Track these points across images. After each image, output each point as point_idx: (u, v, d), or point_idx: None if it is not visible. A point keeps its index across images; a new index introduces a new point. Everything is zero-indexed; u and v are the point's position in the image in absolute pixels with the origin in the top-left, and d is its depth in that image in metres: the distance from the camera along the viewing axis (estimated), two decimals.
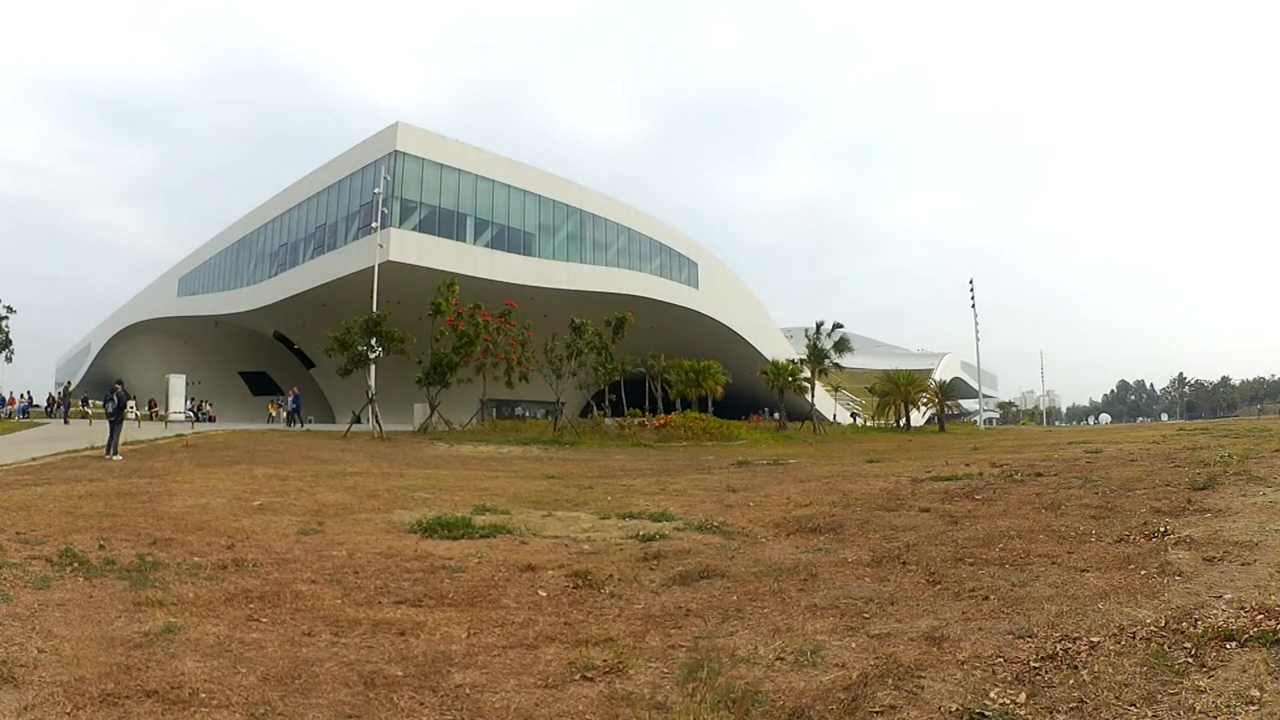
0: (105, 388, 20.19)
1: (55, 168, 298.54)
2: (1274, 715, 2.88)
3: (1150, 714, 3.00)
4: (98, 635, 4.35)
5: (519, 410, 41.94)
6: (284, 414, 35.60)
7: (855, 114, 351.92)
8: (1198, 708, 3.00)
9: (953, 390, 70.79)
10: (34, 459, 14.88)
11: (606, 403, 41.58)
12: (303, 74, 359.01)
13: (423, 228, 36.21)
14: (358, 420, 29.90)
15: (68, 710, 3.30)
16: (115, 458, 15.13)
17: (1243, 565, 5.07)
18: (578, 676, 3.86)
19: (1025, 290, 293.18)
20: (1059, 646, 3.78)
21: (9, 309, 45.36)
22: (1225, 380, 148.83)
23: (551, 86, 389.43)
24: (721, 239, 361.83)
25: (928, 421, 62.72)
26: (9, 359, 47.25)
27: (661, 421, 34.26)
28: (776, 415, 45.31)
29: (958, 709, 3.17)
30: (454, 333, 28.93)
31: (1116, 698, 3.15)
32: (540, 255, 41.30)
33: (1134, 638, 3.80)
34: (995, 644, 3.93)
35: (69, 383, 53.11)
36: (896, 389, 51.52)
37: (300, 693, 3.62)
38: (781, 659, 3.97)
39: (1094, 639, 3.83)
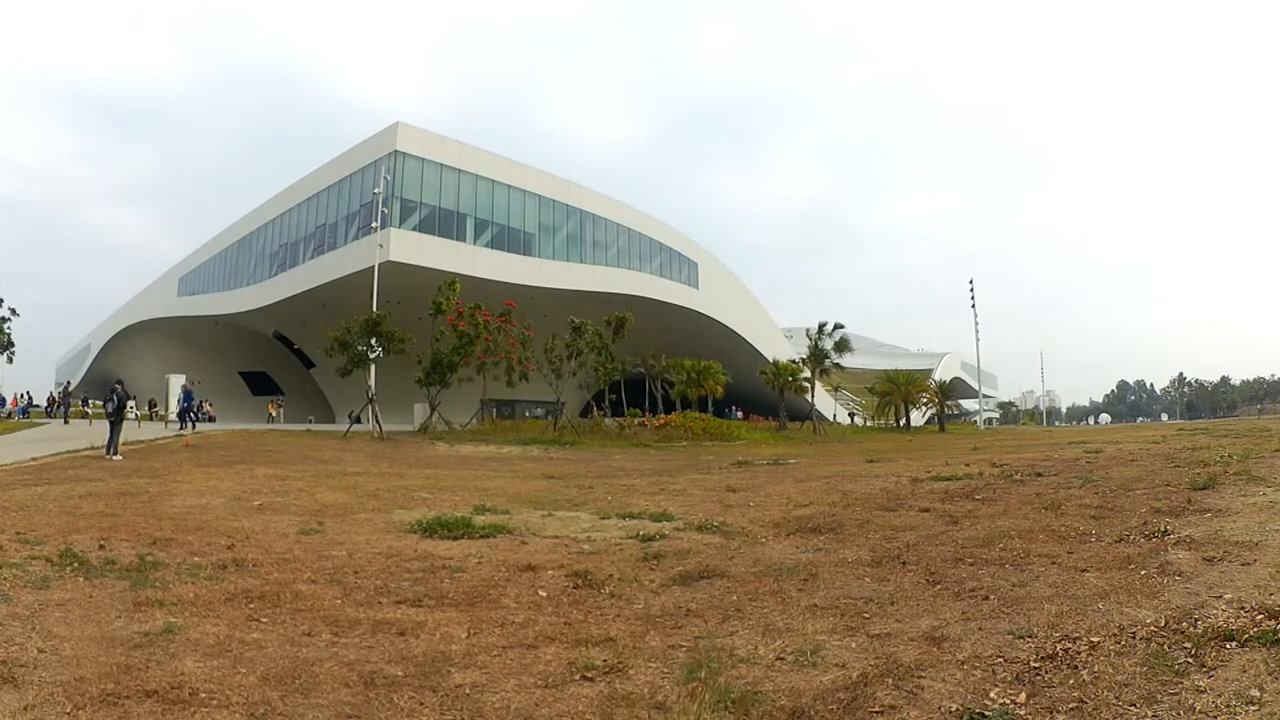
0: (105, 388, 20.17)
1: (56, 169, 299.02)
2: (1274, 715, 2.88)
3: (1150, 714, 3.00)
4: (98, 635, 4.34)
5: (520, 410, 41.92)
6: (174, 414, 30.27)
7: (855, 115, 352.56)
8: (1198, 708, 3.00)
9: (953, 390, 70.85)
10: (34, 459, 14.87)
11: (606, 403, 41.58)
12: (304, 76, 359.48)
13: (423, 228, 36.20)
14: (357, 420, 29.89)
15: (68, 710, 3.30)
16: (115, 458, 15.12)
17: (1243, 565, 5.06)
18: (578, 676, 3.85)
19: (1025, 290, 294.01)
20: (1059, 646, 3.78)
21: (13, 311, 45.37)
22: (1225, 380, 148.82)
23: (552, 88, 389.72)
24: (721, 239, 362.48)
25: (928, 421, 62.75)
26: (10, 360, 47.25)
27: (661, 421, 34.26)
28: (741, 414, 45.70)
29: (958, 709, 3.17)
30: (454, 332, 28.92)
31: (1116, 698, 3.15)
32: (540, 255, 41.29)
33: (1134, 638, 3.80)
34: (995, 644, 3.93)
35: (69, 383, 53.09)
36: (896, 389, 51.57)
37: (300, 693, 3.62)
38: (781, 659, 3.97)
39: (1094, 639, 3.83)
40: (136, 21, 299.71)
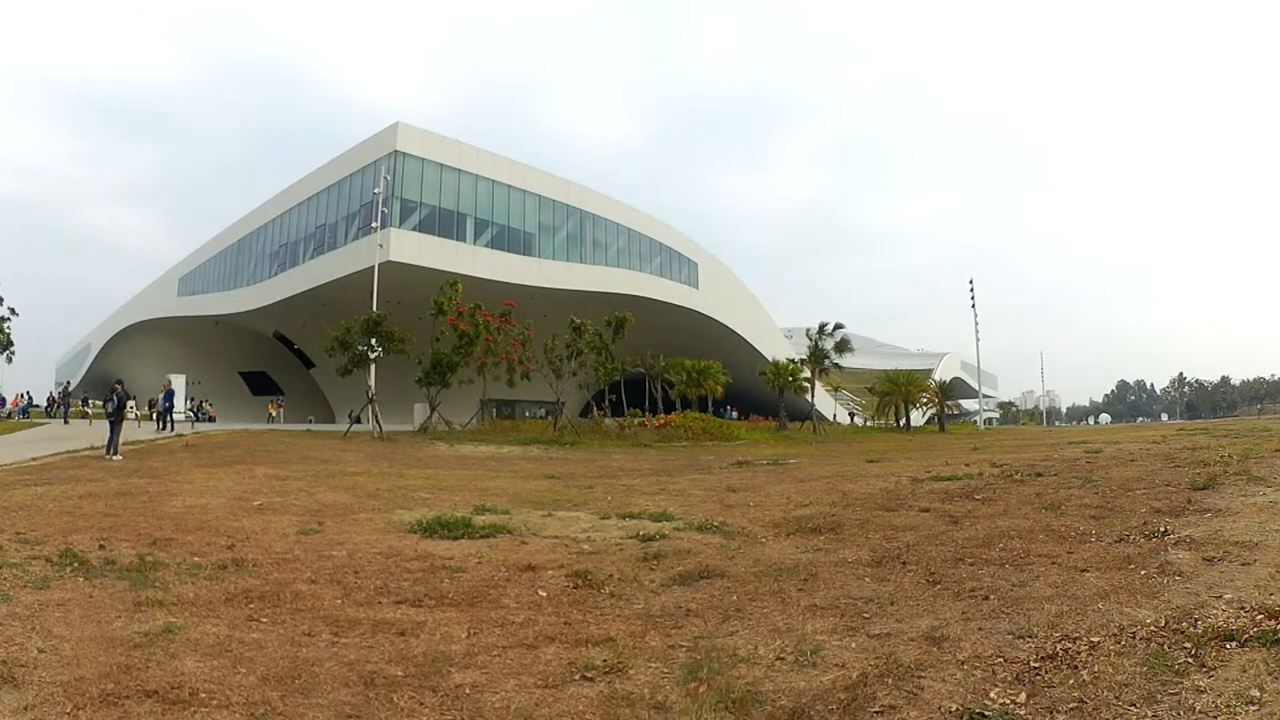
0: (105, 388, 20.14)
1: (56, 169, 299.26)
2: (1274, 715, 2.88)
3: (1150, 714, 3.00)
4: (98, 635, 4.34)
5: (520, 410, 41.92)
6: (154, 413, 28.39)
7: (855, 115, 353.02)
8: (1198, 708, 3.00)
9: (953, 390, 70.87)
10: (34, 459, 14.87)
11: (606, 403, 41.57)
12: (304, 76, 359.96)
13: (423, 228, 36.20)
14: (357, 420, 29.90)
15: (68, 710, 3.30)
16: (115, 458, 15.11)
17: (1243, 565, 5.06)
18: (578, 676, 3.85)
19: (1025, 290, 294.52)
20: (1059, 646, 3.78)
21: (12, 311, 45.42)
22: (1225, 380, 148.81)
23: (552, 88, 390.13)
24: (721, 239, 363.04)
25: (928, 421, 62.74)
26: (9, 359, 47.29)
27: (661, 421, 34.25)
28: (736, 413, 45.74)
29: (958, 709, 3.17)
30: (455, 332, 28.91)
31: (1116, 698, 3.15)
32: (540, 255, 41.29)
33: (1134, 638, 3.80)
34: (995, 644, 3.93)
35: (69, 383, 53.13)
36: (896, 389, 51.55)
37: (300, 693, 3.62)
38: (781, 659, 3.97)
39: (1094, 639, 3.83)
40: (136, 21, 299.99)
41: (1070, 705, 3.12)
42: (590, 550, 7.17)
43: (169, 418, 26.58)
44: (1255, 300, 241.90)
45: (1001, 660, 3.69)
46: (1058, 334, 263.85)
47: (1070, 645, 3.78)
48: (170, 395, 27.50)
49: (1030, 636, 3.99)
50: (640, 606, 5.20)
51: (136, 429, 25.19)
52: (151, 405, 40.05)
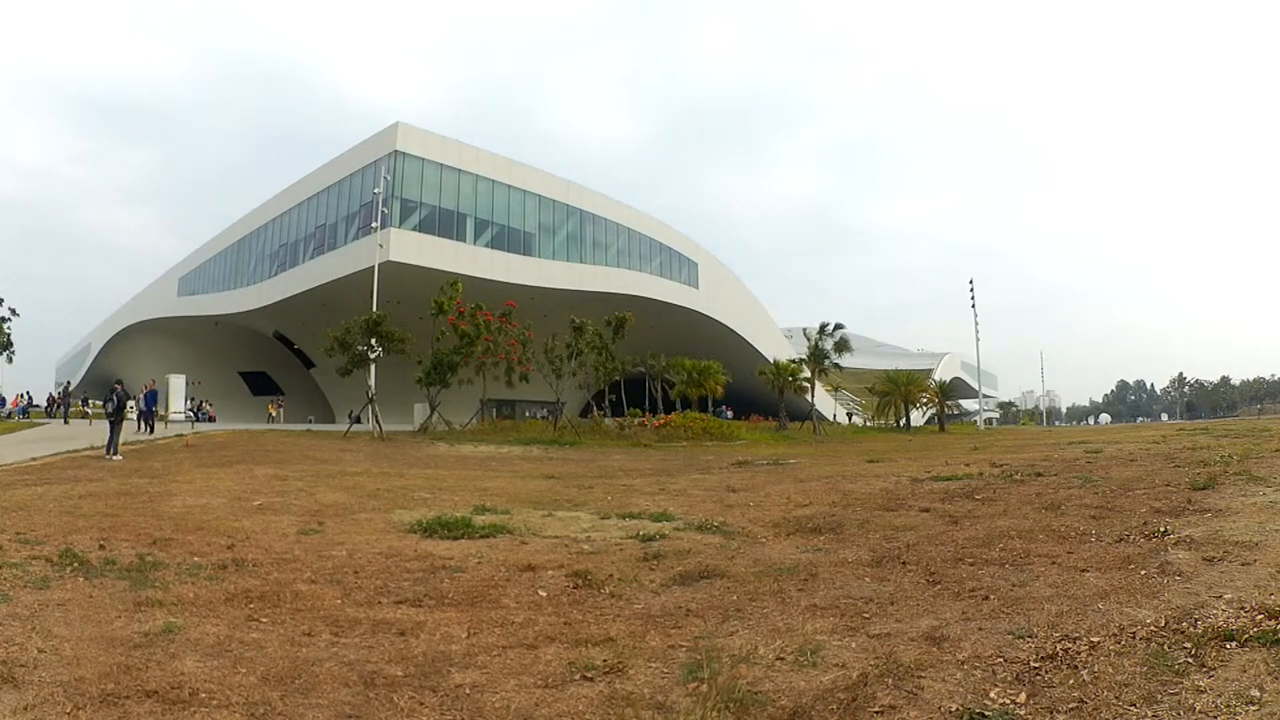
0: (105, 388, 20.09)
1: (57, 169, 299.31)
2: (1274, 715, 2.88)
3: (1150, 714, 3.00)
4: (98, 635, 4.34)
5: (520, 410, 41.91)
6: (135, 415, 25.74)
7: (855, 115, 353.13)
8: (1198, 708, 3.00)
9: (953, 390, 70.90)
10: (34, 459, 14.87)
11: (606, 403, 41.55)
12: (304, 76, 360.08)
13: (423, 228, 36.21)
14: (357, 420, 29.90)
15: (68, 710, 3.30)
16: (115, 458, 15.12)
17: (1243, 565, 5.07)
18: (578, 676, 3.85)
19: (1025, 290, 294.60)
20: (1059, 646, 3.78)
21: (13, 311, 45.45)
22: (1225, 380, 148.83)
23: (552, 88, 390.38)
24: (721, 240, 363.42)
25: (928, 421, 62.73)
26: (10, 360, 47.28)
27: (661, 421, 34.25)
28: (731, 413, 45.71)
29: (958, 709, 3.17)
30: (455, 332, 28.91)
31: (1116, 698, 3.15)
32: (540, 255, 41.29)
33: (1134, 638, 3.80)
34: (995, 644, 3.93)
35: (69, 383, 53.10)
36: (896, 389, 51.55)
37: (300, 693, 3.62)
38: (781, 659, 3.97)
39: (1094, 639, 3.83)
40: (136, 21, 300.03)
41: (1070, 705, 3.12)
42: (590, 550, 7.17)
43: (149, 420, 25.77)
44: (1255, 300, 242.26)
45: (1001, 660, 3.69)
46: (1058, 334, 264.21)
47: (1070, 645, 3.78)
48: (152, 396, 26.68)
49: (1030, 636, 3.99)
50: (640, 606, 5.20)
51: (136, 429, 25.16)
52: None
